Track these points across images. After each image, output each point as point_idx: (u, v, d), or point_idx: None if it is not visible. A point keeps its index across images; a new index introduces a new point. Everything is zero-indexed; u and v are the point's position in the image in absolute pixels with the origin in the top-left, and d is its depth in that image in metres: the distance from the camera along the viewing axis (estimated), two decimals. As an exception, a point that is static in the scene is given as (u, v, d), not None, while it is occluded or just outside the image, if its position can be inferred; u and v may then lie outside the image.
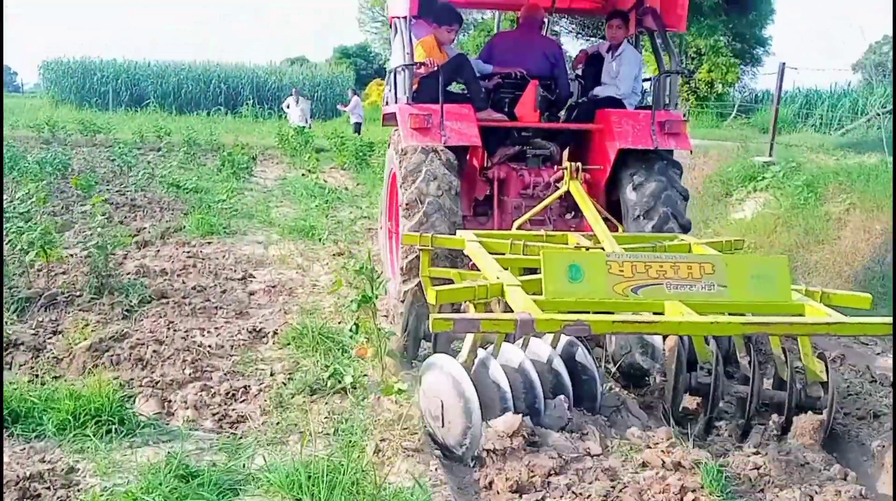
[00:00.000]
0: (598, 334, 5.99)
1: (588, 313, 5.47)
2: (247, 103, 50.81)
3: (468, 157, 8.72)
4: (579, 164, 8.18)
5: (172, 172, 19.57)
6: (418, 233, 7.53)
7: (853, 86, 38.85)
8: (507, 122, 9.06)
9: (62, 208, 14.64)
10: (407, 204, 8.09)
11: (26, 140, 26.86)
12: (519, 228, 8.26)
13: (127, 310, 8.71)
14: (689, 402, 6.27)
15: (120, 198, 16.22)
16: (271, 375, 7.08)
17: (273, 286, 10.25)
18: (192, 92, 55.41)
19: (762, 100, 38.69)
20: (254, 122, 45.15)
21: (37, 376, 6.69)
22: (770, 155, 17.00)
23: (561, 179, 8.44)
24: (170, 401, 6.42)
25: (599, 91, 9.44)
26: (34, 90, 60.42)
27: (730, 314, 5.64)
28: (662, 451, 5.31)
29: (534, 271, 6.49)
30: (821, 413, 5.72)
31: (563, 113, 9.84)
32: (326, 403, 6.48)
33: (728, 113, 33.56)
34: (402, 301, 7.98)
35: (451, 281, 7.11)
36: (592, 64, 9.92)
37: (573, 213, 9.17)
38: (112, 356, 7.15)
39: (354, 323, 6.91)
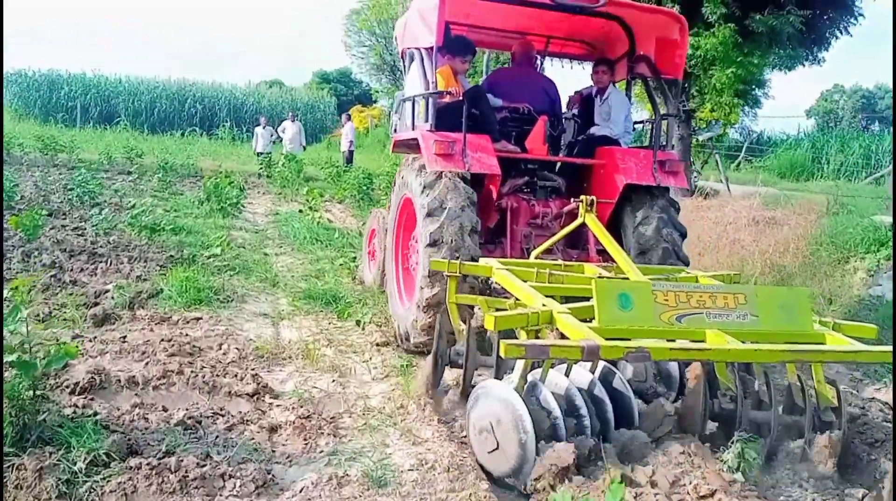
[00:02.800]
0: (657, 360, 5.51)
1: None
2: (223, 125, 46.88)
3: (485, 186, 8.61)
4: (594, 197, 8.04)
5: (144, 204, 15.42)
6: (446, 260, 7.37)
7: (806, 131, 38.07)
8: (520, 154, 9.09)
9: (-5, 256, 10.49)
10: (430, 235, 7.90)
11: (-27, 159, 22.56)
12: (536, 257, 8.20)
13: (66, 482, 4.76)
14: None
15: (76, 241, 12.10)
16: None
17: (306, 417, 6.21)
18: (166, 111, 51.59)
19: (764, 142, 36.25)
20: (231, 144, 41.26)
21: None
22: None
23: (573, 210, 8.45)
24: None
25: (595, 131, 9.63)
26: (-2, 104, 56.03)
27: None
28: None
29: (552, 297, 6.37)
30: (835, 437, 5.67)
31: (563, 149, 9.95)
32: None
33: (733, 155, 30.45)
34: (417, 327, 8.01)
35: (472, 307, 7.53)
36: (585, 104, 10.14)
37: (580, 244, 9.27)
38: None
39: None
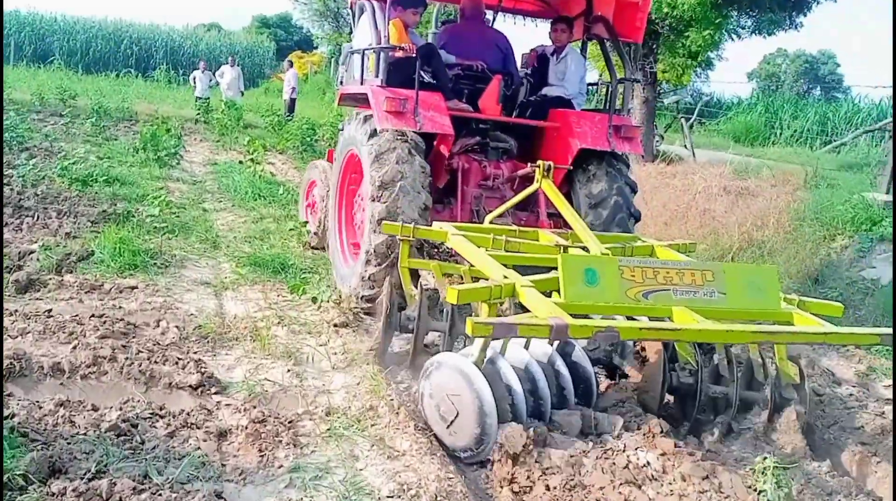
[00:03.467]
0: (626, 339, 5.36)
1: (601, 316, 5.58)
2: (160, 67, 44.98)
3: (435, 145, 8.27)
4: (551, 163, 7.79)
5: (77, 152, 14.15)
6: (399, 224, 7.09)
7: (747, 95, 38.10)
8: (473, 113, 8.65)
9: None
10: (380, 185, 7.57)
11: None
12: (491, 222, 7.84)
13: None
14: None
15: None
16: None
17: (260, 421, 5.23)
18: (101, 51, 49.31)
19: (713, 105, 35.78)
20: (167, 87, 39.59)
21: None
22: (888, 191, 12.62)
23: (528, 175, 8.12)
24: None
25: (549, 91, 9.20)
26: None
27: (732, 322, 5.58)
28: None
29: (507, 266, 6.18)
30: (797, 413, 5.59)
31: (516, 109, 9.45)
32: None
33: (685, 118, 29.82)
34: (360, 293, 7.79)
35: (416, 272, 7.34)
36: (540, 63, 9.64)
37: (530, 207, 8.74)
38: None
39: None
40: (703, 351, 6.15)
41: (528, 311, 5.49)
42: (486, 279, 6.08)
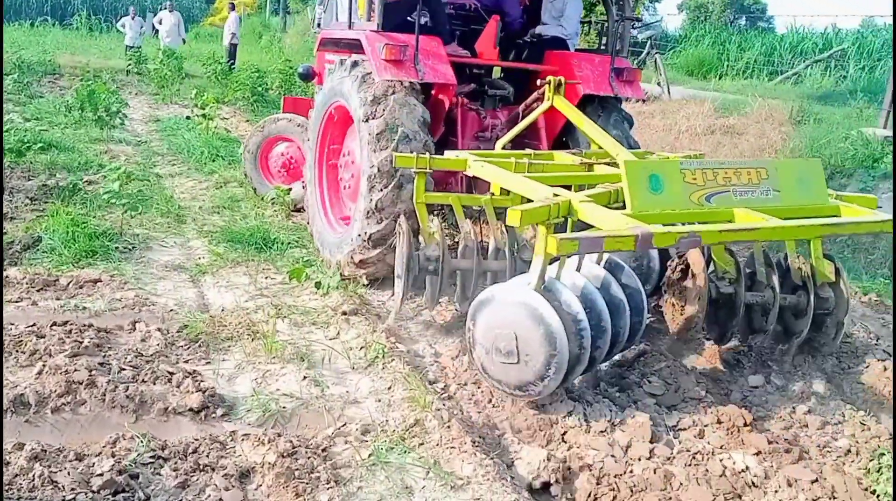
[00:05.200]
0: (707, 244, 5.56)
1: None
2: (79, 14, 43.24)
3: (433, 94, 7.95)
4: (562, 77, 7.40)
5: None
6: (413, 155, 6.57)
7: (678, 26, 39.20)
8: (472, 59, 8.55)
9: None
10: (372, 100, 7.33)
11: None
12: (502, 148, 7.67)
13: None
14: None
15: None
16: None
17: (290, 454, 4.43)
18: (10, -4, 47.20)
19: (661, 38, 36.24)
20: (89, 36, 38.07)
21: None
22: (885, 126, 12.56)
23: (541, 97, 7.64)
24: None
25: (543, 30, 8.98)
26: None
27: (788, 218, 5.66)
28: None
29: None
30: (835, 316, 5.98)
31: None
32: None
33: (636, 51, 30.15)
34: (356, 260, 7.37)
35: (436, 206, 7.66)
36: (531, 0, 9.37)
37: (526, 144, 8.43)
38: None
39: None
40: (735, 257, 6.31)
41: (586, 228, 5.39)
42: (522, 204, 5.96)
